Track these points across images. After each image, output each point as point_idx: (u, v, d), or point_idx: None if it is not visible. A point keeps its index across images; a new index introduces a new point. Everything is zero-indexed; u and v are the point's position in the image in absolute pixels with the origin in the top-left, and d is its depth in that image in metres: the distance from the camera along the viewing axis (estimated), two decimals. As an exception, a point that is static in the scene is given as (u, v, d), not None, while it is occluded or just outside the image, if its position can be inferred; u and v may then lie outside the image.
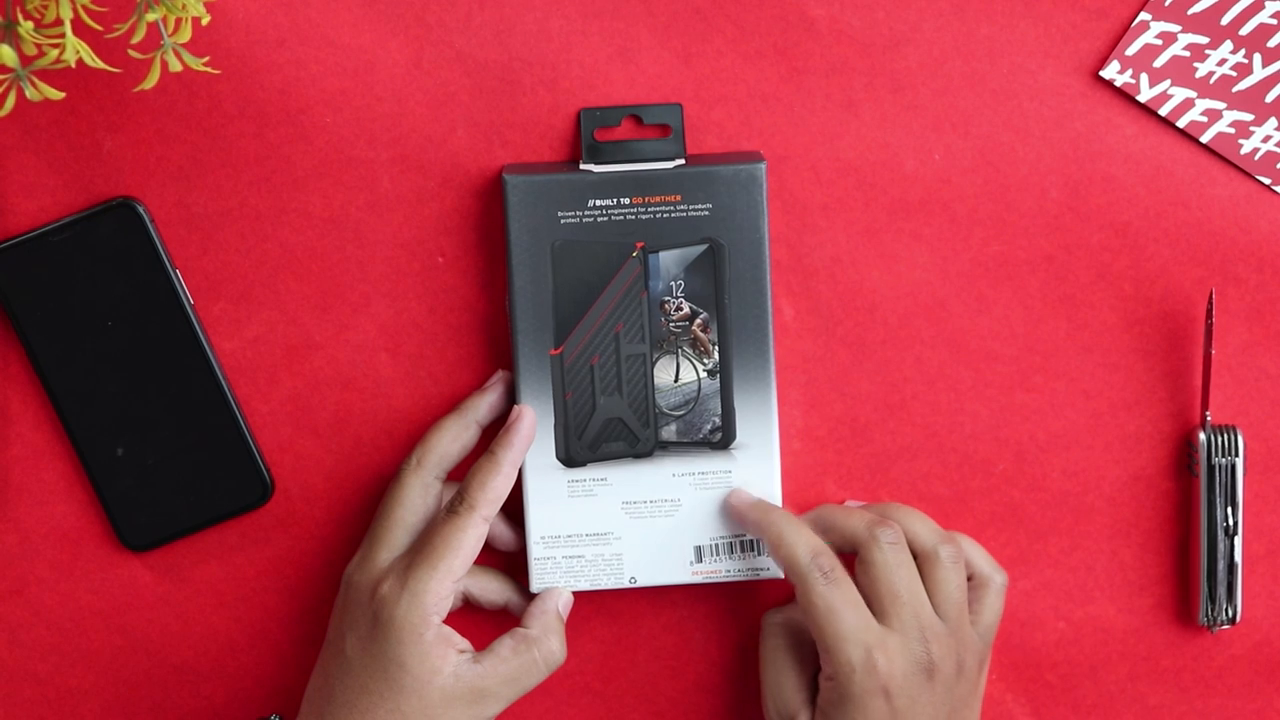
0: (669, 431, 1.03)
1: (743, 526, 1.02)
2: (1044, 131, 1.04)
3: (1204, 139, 1.04)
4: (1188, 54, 1.03)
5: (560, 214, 1.01)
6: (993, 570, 1.03)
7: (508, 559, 1.05)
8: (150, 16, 0.91)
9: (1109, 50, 1.03)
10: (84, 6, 0.90)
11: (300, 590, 1.06)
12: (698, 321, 1.02)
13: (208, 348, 1.03)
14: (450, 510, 0.99)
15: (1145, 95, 1.03)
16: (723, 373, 1.02)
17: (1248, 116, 1.03)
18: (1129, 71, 1.03)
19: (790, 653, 1.03)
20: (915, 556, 1.01)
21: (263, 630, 1.06)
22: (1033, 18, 1.03)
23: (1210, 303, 1.03)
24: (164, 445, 1.03)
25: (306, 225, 1.04)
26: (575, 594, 1.04)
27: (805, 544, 0.99)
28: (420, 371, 1.05)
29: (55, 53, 0.89)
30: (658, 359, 1.02)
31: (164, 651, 1.06)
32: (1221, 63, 1.03)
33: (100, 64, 0.91)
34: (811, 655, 1.03)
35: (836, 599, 0.98)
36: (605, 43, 1.03)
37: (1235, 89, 1.03)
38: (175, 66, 0.92)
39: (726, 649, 1.07)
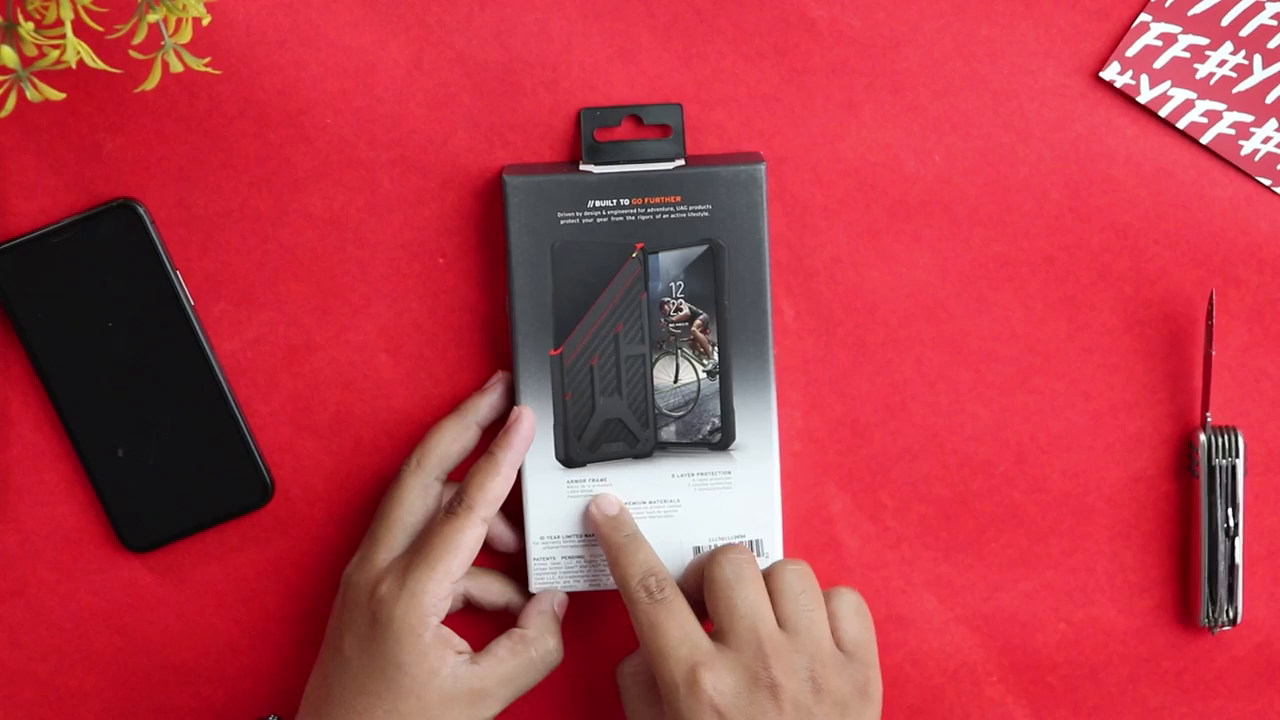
0: (668, 432, 1.03)
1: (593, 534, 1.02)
2: (1044, 132, 1.04)
3: (1204, 140, 1.04)
4: (1188, 55, 1.03)
5: (560, 214, 1.01)
6: (839, 588, 0.99)
7: (508, 560, 1.05)
8: (151, 17, 0.91)
9: (1109, 51, 1.03)
10: (84, 7, 0.90)
11: (300, 591, 1.06)
12: (697, 322, 1.02)
13: (208, 348, 1.03)
14: (449, 511, 0.99)
15: (1145, 96, 1.03)
16: (722, 374, 1.02)
17: (1248, 118, 1.03)
18: (1129, 73, 1.03)
19: (646, 699, 1.00)
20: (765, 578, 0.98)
21: (263, 631, 1.06)
22: (1033, 18, 1.03)
23: (1211, 304, 1.03)
24: (164, 446, 1.03)
25: (307, 226, 1.04)
26: (574, 594, 1.04)
27: (638, 564, 0.98)
28: (420, 372, 1.05)
29: (56, 54, 0.89)
30: (657, 360, 1.02)
31: (164, 652, 1.06)
32: (1222, 64, 1.03)
33: (101, 65, 0.91)
34: None
35: (660, 616, 0.96)
36: (605, 43, 1.03)
37: (1235, 90, 1.03)
38: (176, 67, 0.92)
39: (726, 650, 1.07)
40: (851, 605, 0.99)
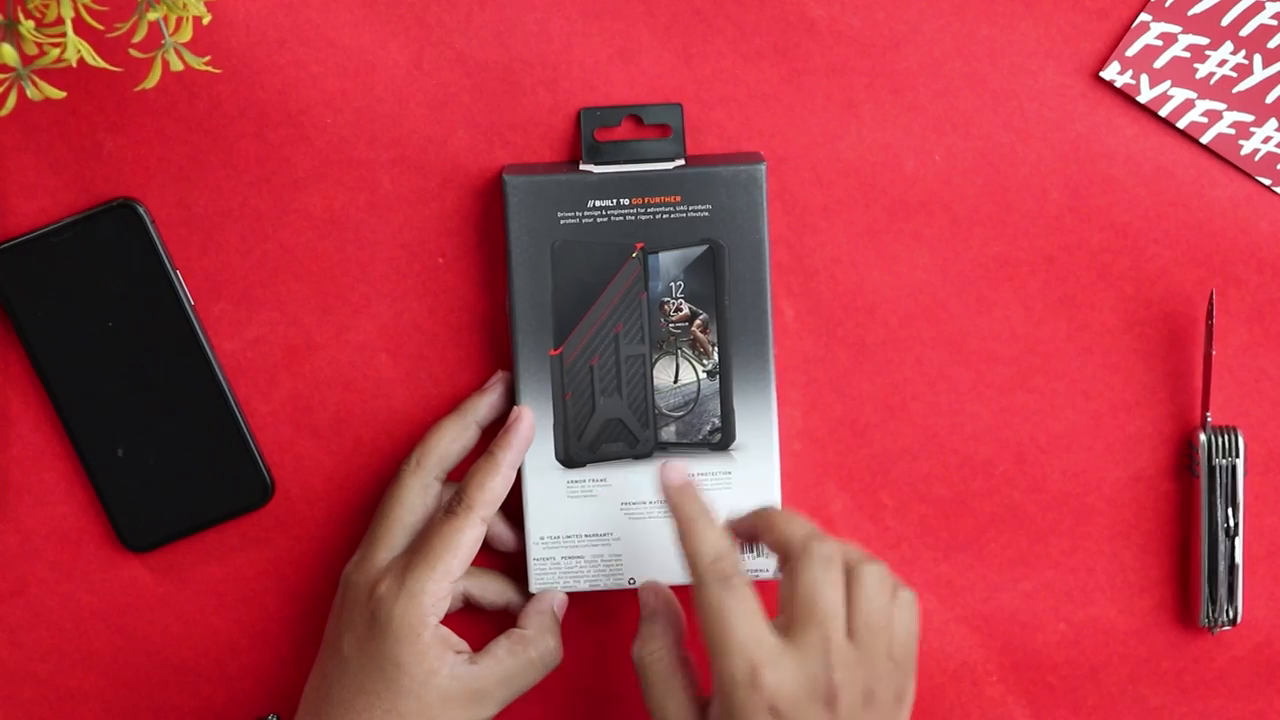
0: (668, 432, 1.03)
1: (664, 502, 0.99)
2: (1044, 132, 1.04)
3: (1204, 140, 1.04)
4: (1188, 55, 1.03)
5: (560, 214, 1.01)
6: (898, 587, 0.97)
7: (507, 560, 1.05)
8: (151, 16, 0.91)
9: (1109, 51, 1.04)
10: (85, 6, 0.90)
11: (300, 590, 1.06)
12: (697, 322, 1.02)
13: (208, 348, 1.03)
14: (448, 511, 0.99)
15: (1145, 96, 1.03)
16: (722, 374, 1.02)
17: (1248, 117, 1.03)
18: (1129, 72, 1.03)
19: (672, 681, 0.97)
20: None
21: (263, 630, 1.06)
22: (1033, 18, 1.03)
23: (1211, 303, 1.03)
24: (164, 446, 1.03)
25: (307, 226, 1.04)
26: (574, 594, 1.04)
27: (711, 543, 0.95)
28: (420, 372, 1.05)
29: (56, 52, 0.89)
30: (657, 360, 1.02)
31: (164, 652, 1.06)
32: (1222, 64, 1.03)
33: (101, 63, 0.91)
34: (694, 680, 0.98)
35: (730, 606, 0.93)
36: (605, 43, 1.03)
37: (1235, 90, 1.03)
38: (176, 66, 0.92)
39: (726, 650, 1.07)
40: (909, 611, 0.96)
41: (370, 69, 1.03)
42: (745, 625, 0.93)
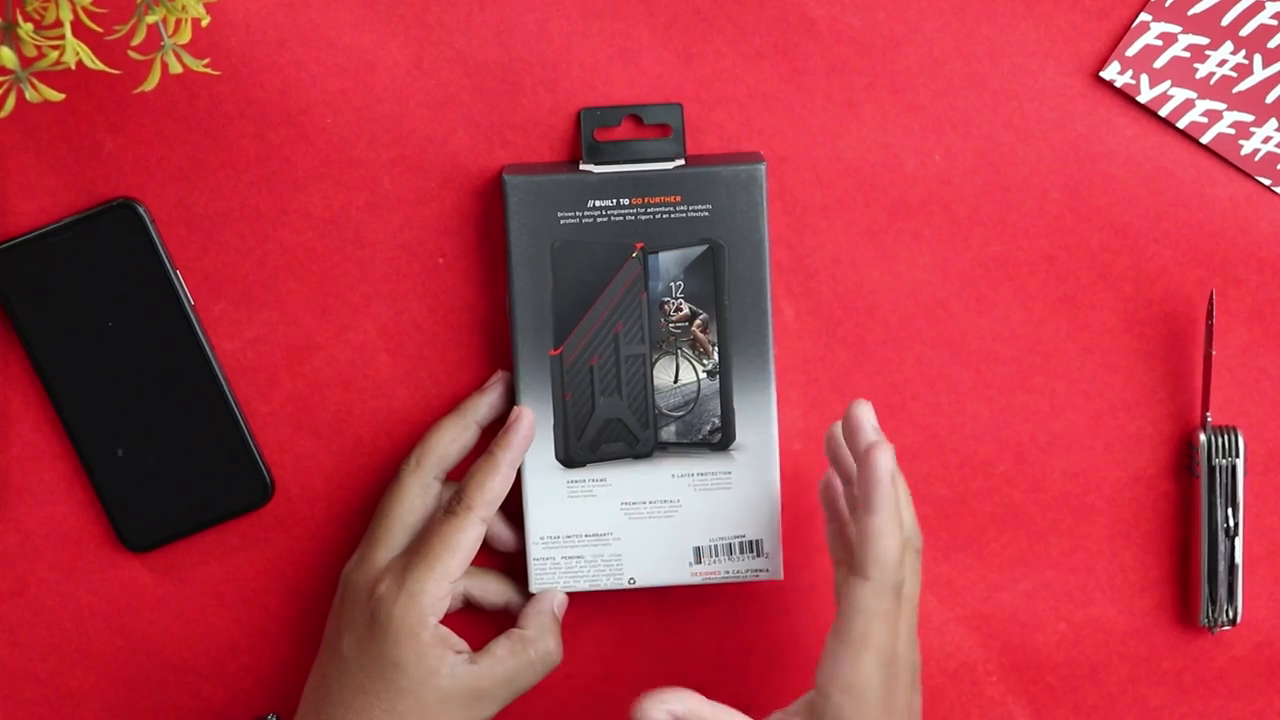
0: (668, 432, 1.03)
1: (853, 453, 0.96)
2: (1044, 132, 1.04)
3: (1204, 140, 1.03)
4: (1188, 55, 1.03)
5: (560, 214, 1.01)
6: (913, 533, 0.97)
7: (507, 559, 1.05)
8: (150, 18, 0.91)
9: (1109, 51, 1.03)
10: (84, 8, 0.90)
11: (300, 590, 1.06)
12: (697, 322, 1.02)
13: (208, 348, 1.03)
14: (448, 511, 0.99)
15: (1145, 96, 1.03)
16: (722, 373, 1.02)
17: (1248, 117, 1.03)
18: (1129, 72, 1.03)
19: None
20: None
21: (263, 630, 1.06)
22: (1033, 18, 1.03)
23: (1211, 303, 1.03)
24: (164, 445, 1.03)
25: (307, 226, 1.04)
26: (574, 594, 1.04)
27: (885, 548, 0.93)
28: (420, 371, 1.05)
29: (55, 54, 0.89)
30: (657, 360, 1.02)
31: (164, 651, 1.06)
32: (1222, 64, 1.03)
33: (100, 66, 0.91)
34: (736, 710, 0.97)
35: (894, 612, 0.93)
36: (605, 43, 1.03)
37: (1235, 90, 1.03)
38: (175, 68, 0.92)
39: (725, 650, 1.07)
40: (912, 557, 0.95)
41: (370, 69, 1.03)
42: (889, 634, 0.93)
